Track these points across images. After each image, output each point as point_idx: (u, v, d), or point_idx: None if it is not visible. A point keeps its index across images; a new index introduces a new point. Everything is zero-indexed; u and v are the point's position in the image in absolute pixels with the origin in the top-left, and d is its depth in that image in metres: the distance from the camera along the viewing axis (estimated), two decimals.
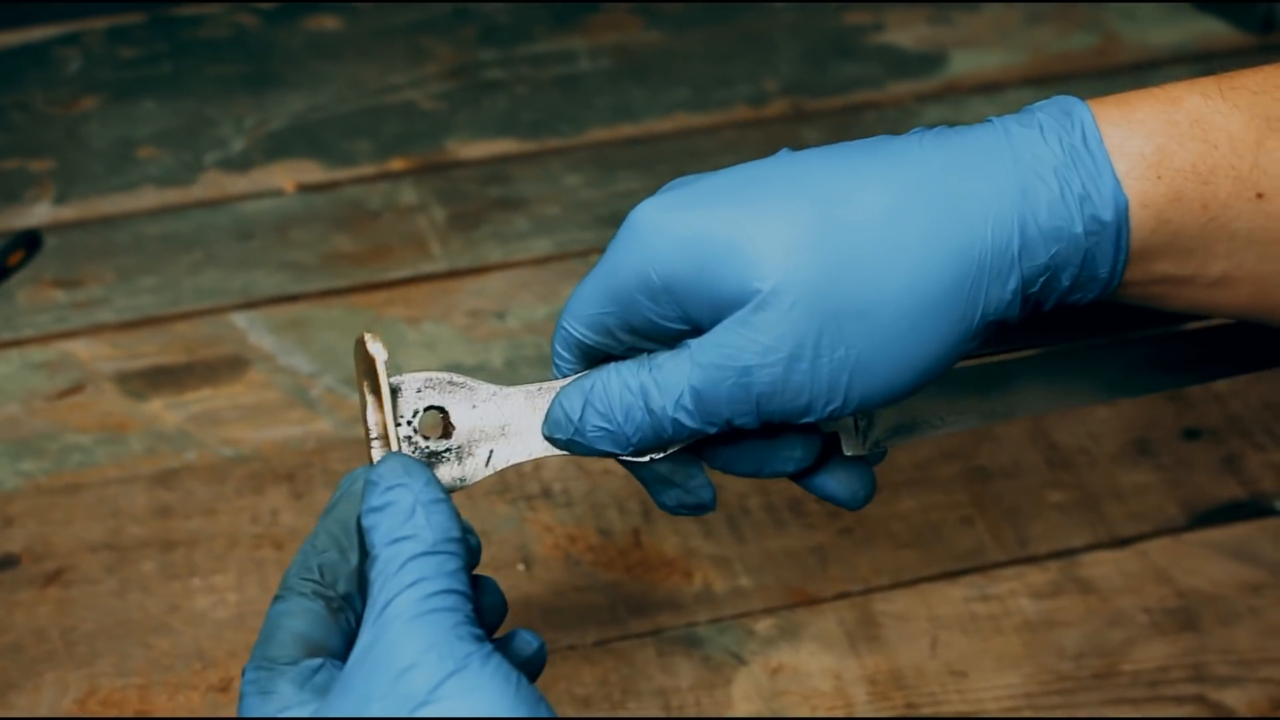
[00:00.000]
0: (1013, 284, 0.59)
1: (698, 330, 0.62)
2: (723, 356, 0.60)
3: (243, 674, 0.60)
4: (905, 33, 1.35)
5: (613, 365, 0.63)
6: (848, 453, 0.66)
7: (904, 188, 0.60)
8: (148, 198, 1.20)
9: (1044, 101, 0.62)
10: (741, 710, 0.84)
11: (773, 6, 1.38)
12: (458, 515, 0.60)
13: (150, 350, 1.07)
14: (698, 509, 0.66)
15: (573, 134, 1.25)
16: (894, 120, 1.26)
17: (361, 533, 0.60)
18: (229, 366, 1.06)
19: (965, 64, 1.32)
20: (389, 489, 0.60)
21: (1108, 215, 0.59)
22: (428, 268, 1.13)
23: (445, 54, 1.34)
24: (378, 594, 0.58)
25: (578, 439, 0.63)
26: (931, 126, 0.62)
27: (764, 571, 0.92)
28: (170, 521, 0.95)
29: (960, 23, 1.36)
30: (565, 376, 0.65)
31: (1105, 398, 0.70)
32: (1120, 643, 0.88)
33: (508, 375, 1.04)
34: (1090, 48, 1.33)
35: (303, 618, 0.60)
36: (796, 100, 1.28)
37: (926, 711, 0.84)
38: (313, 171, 1.22)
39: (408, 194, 1.20)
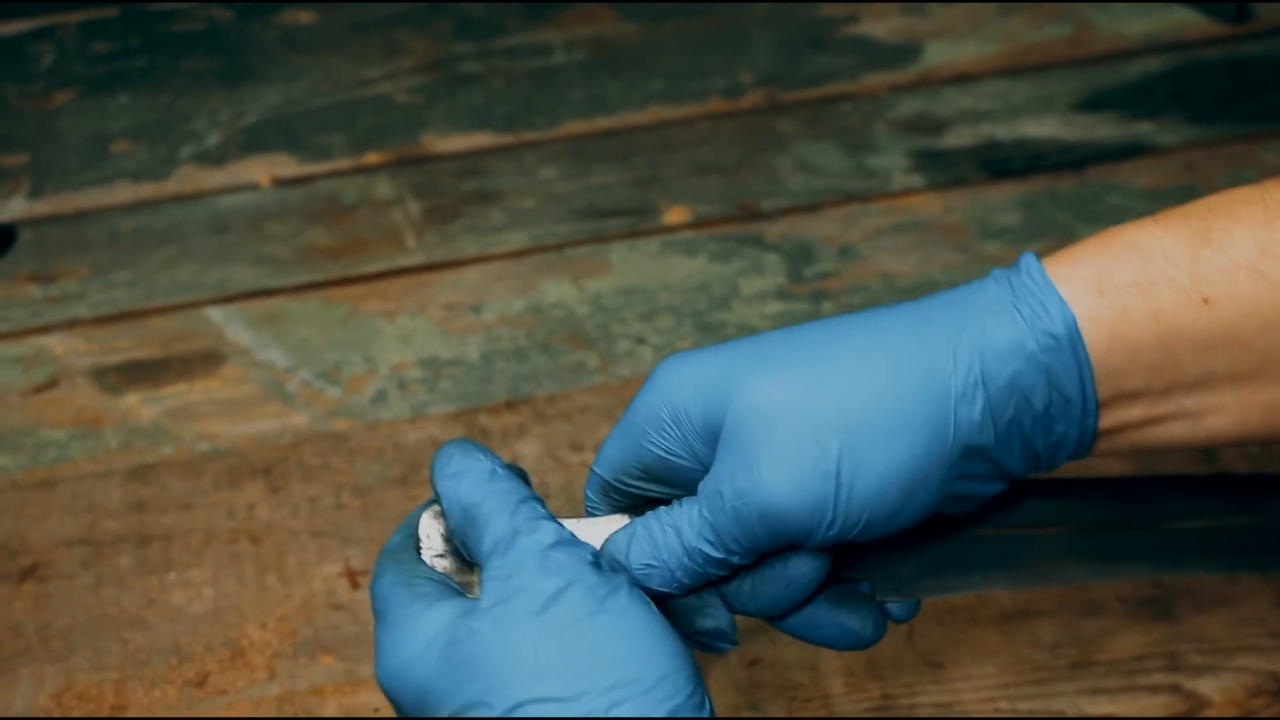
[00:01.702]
0: (980, 403, 0.63)
1: (705, 468, 0.65)
2: (719, 480, 0.64)
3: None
4: (879, 24, 1.35)
5: (655, 509, 0.67)
6: (879, 597, 0.68)
7: (877, 329, 0.65)
8: (122, 192, 1.20)
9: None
10: (718, 704, 0.84)
11: None
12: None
13: (125, 345, 1.07)
14: (717, 634, 0.70)
15: (548, 127, 1.25)
16: (869, 111, 1.26)
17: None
18: (205, 361, 1.06)
19: (940, 55, 1.32)
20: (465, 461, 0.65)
21: (1058, 329, 0.62)
22: (404, 261, 1.13)
23: (420, 47, 1.34)
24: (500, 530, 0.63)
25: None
26: None
27: None
28: (146, 516, 0.95)
29: (935, 14, 1.37)
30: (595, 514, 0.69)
31: (1149, 574, 0.71)
32: (1096, 633, 0.88)
33: (483, 369, 1.04)
34: (1064, 38, 1.34)
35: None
36: (771, 92, 1.28)
37: (903, 703, 0.85)
38: (288, 165, 1.22)
39: (383, 187, 1.20)
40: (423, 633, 0.62)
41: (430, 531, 0.66)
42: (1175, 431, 0.65)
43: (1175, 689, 0.85)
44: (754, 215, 1.17)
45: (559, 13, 1.37)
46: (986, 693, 0.85)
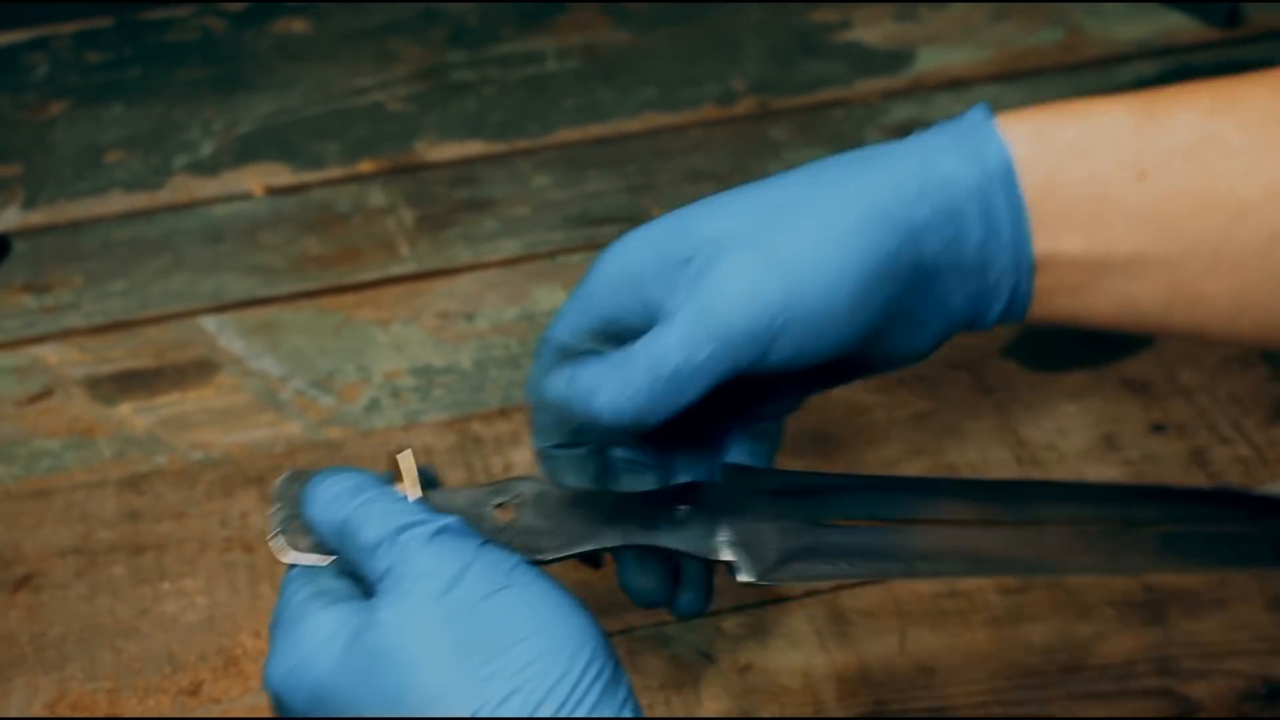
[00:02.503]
0: (921, 215, 0.65)
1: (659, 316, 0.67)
2: (679, 303, 0.66)
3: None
4: (872, 30, 1.36)
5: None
6: (742, 579, 0.69)
7: (822, 166, 0.68)
8: (116, 202, 1.20)
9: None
10: (710, 709, 0.85)
11: (740, 5, 1.39)
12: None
13: (119, 355, 1.07)
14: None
15: (541, 135, 1.26)
16: (861, 117, 1.26)
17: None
18: (198, 370, 1.06)
19: (932, 61, 1.32)
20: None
21: (994, 164, 0.65)
22: (397, 269, 1.13)
23: (413, 56, 1.34)
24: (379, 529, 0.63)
25: (572, 397, 0.67)
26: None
27: None
28: (139, 526, 0.95)
29: (927, 20, 1.37)
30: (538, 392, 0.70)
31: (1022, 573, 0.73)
32: (1088, 637, 0.88)
33: (477, 377, 1.05)
34: (1056, 43, 1.34)
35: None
36: (764, 98, 1.28)
37: (895, 708, 0.85)
38: (281, 174, 1.22)
39: (376, 196, 1.20)
40: (320, 630, 0.61)
41: (282, 495, 0.68)
42: (1104, 307, 0.67)
43: (1167, 693, 0.85)
44: None
45: (552, 20, 1.38)
46: (978, 697, 0.85)
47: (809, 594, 0.90)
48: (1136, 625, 0.88)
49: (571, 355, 0.69)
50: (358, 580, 0.64)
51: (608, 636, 0.61)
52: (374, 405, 1.03)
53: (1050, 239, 0.66)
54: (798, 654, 0.87)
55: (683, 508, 0.70)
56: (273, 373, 1.06)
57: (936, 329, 0.69)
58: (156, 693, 0.86)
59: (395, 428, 1.01)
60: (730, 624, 0.89)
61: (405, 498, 0.65)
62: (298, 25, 1.38)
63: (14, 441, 1.01)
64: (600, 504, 0.70)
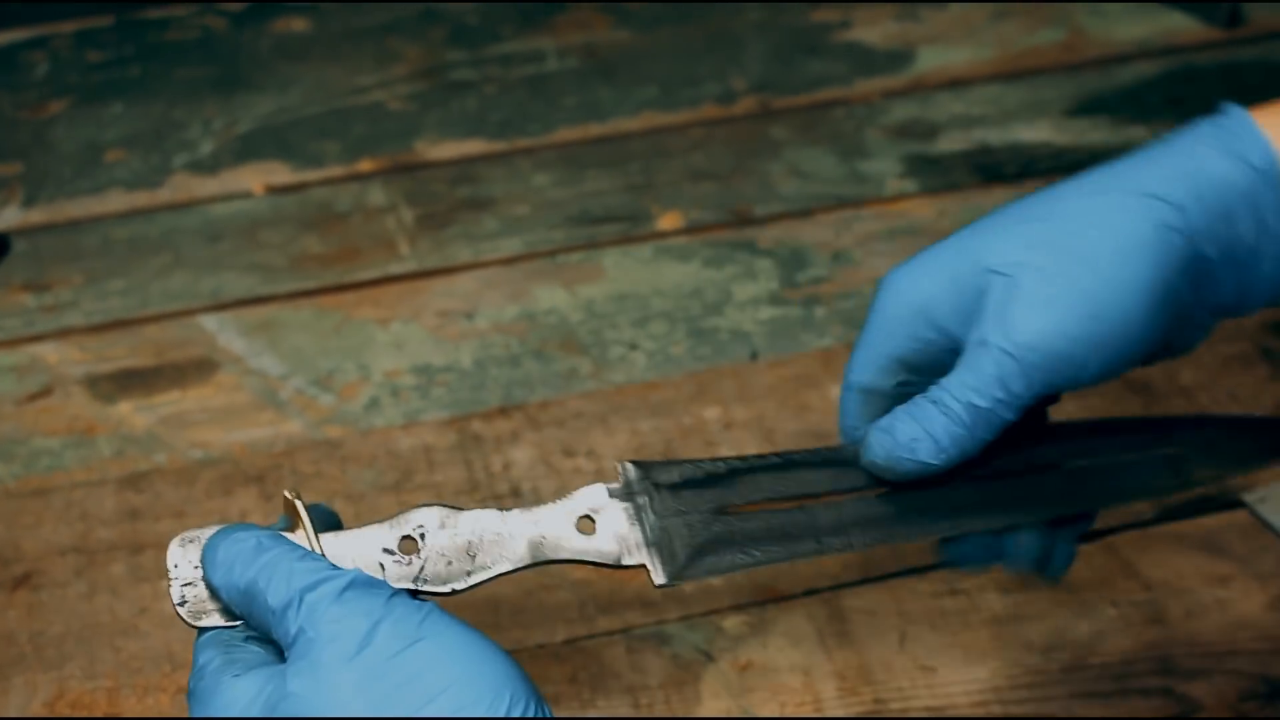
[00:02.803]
0: (1200, 220, 0.68)
1: (957, 346, 0.70)
2: (982, 333, 0.68)
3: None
4: (872, 30, 1.36)
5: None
6: (657, 582, 0.68)
7: (1097, 178, 0.70)
8: (116, 201, 1.20)
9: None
10: (710, 707, 0.85)
11: (740, 5, 1.39)
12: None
13: (119, 353, 1.07)
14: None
15: (541, 134, 1.26)
16: (862, 117, 1.26)
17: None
18: (198, 369, 1.06)
19: (932, 60, 1.32)
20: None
21: (1262, 163, 0.68)
22: (396, 268, 1.13)
23: (413, 55, 1.34)
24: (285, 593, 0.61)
25: (899, 453, 0.69)
26: None
27: None
28: (139, 524, 0.95)
29: (927, 19, 1.37)
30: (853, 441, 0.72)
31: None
32: (1088, 636, 0.88)
33: (476, 375, 1.04)
34: (1057, 43, 1.34)
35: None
36: (764, 98, 1.28)
37: (895, 707, 0.85)
38: (281, 173, 1.22)
39: (376, 195, 1.20)
40: (235, 703, 0.60)
41: (178, 560, 0.65)
42: None
43: (1167, 692, 0.85)
44: (747, 221, 1.17)
45: (552, 19, 1.38)
46: (979, 696, 0.85)
47: (809, 592, 0.90)
48: (1137, 624, 0.88)
49: (875, 396, 0.71)
50: (269, 641, 0.63)
51: (525, 675, 0.60)
52: (374, 404, 1.03)
53: None
54: (798, 652, 0.87)
55: (586, 515, 0.69)
56: (272, 371, 1.05)
57: (1210, 322, 0.71)
58: (156, 691, 0.86)
59: (395, 426, 1.01)
60: (730, 623, 0.89)
61: (307, 551, 0.63)
62: (298, 24, 1.38)
63: (13, 440, 1.01)
64: (507, 524, 0.69)
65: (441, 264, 1.14)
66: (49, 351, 1.07)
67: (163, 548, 0.92)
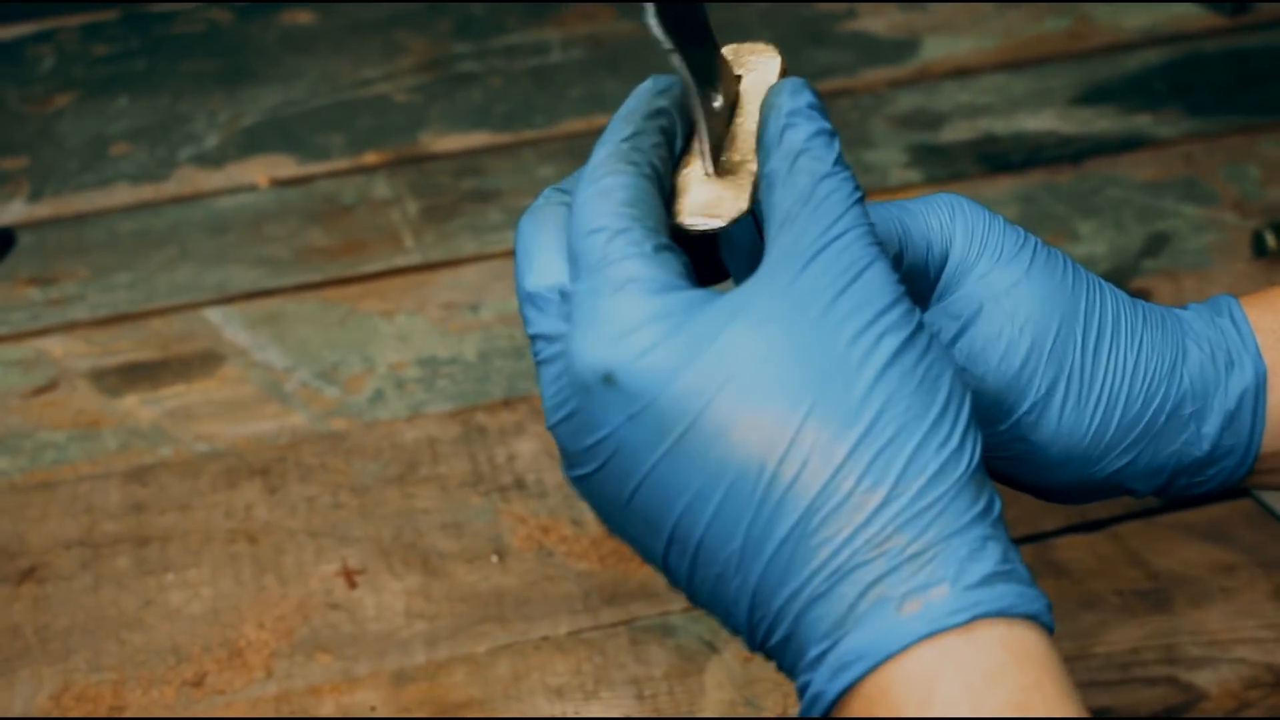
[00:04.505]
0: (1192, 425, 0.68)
1: None
2: None
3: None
4: (877, 19, 1.35)
5: None
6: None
7: None
8: (122, 194, 1.20)
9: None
10: (714, 699, 0.85)
11: None
12: None
13: (124, 347, 1.07)
14: None
15: (546, 125, 1.25)
16: (868, 107, 1.26)
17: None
18: (203, 362, 1.06)
19: (938, 49, 1.32)
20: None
21: (1249, 380, 0.68)
22: (401, 261, 1.13)
23: (419, 47, 1.34)
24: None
25: None
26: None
27: None
28: (144, 517, 0.95)
29: (933, 9, 1.37)
30: None
31: None
32: (1093, 625, 0.88)
33: (481, 368, 1.04)
34: (1063, 31, 1.34)
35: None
36: None
37: None
38: (287, 166, 1.22)
39: (381, 187, 1.20)
40: (669, 303, 0.55)
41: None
42: None
43: (1172, 681, 0.85)
44: None
45: (557, 11, 1.38)
46: None
47: None
48: (1141, 613, 0.88)
49: None
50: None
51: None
52: (379, 396, 1.03)
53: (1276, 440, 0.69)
54: None
55: None
56: (278, 364, 1.06)
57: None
58: (161, 684, 0.86)
59: (400, 419, 1.01)
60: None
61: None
62: (303, 17, 1.38)
63: (19, 433, 1.01)
64: None
65: (446, 256, 1.14)
66: (54, 345, 1.07)
67: (168, 540, 0.93)
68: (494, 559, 0.92)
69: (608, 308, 0.55)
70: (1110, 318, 0.67)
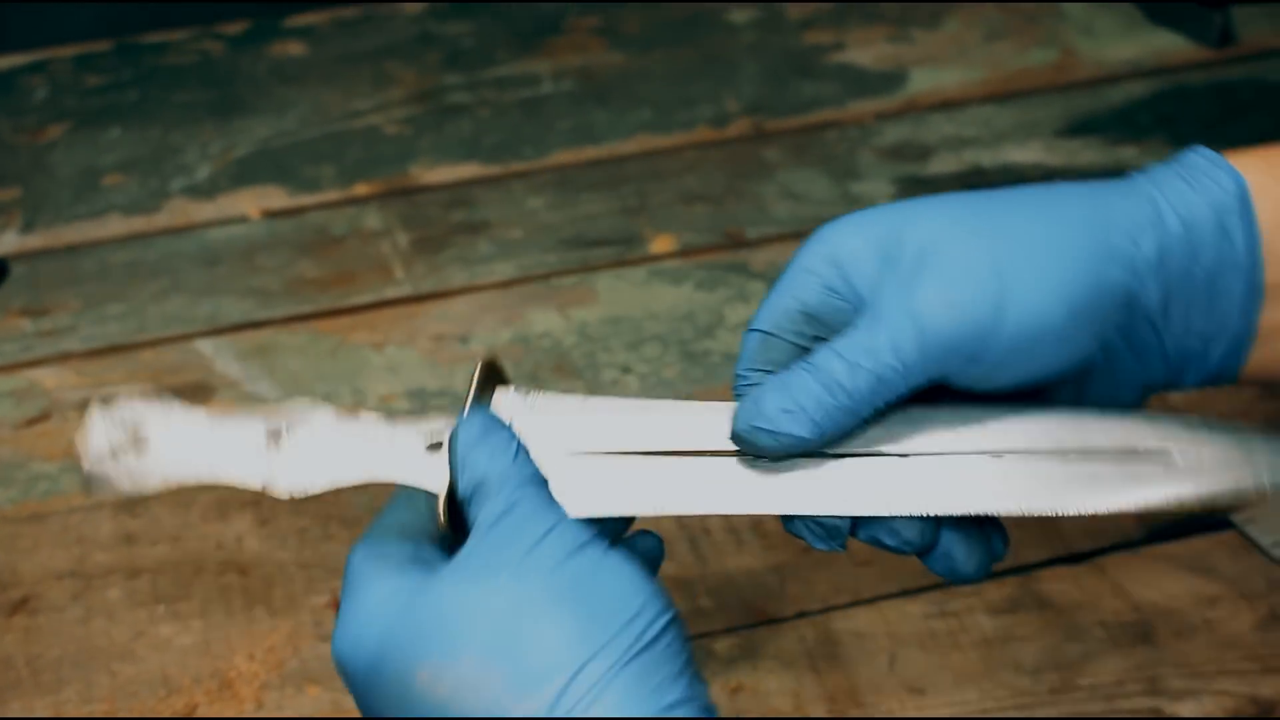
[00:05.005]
0: (1147, 248, 0.63)
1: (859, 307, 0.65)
2: (875, 304, 0.63)
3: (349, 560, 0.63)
4: (865, 51, 1.36)
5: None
6: None
7: (1051, 190, 0.65)
8: (114, 225, 1.21)
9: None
10: None
11: (733, 27, 1.39)
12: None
13: (116, 378, 1.08)
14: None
15: (536, 157, 1.26)
16: (855, 138, 1.27)
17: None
18: (195, 393, 1.07)
19: (925, 81, 1.33)
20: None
21: (1230, 192, 0.63)
22: (392, 292, 1.14)
23: (409, 79, 1.35)
24: (502, 480, 0.62)
25: (759, 423, 0.63)
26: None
27: (724, 592, 0.92)
28: (135, 549, 0.96)
29: (920, 40, 1.37)
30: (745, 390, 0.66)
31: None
32: (1077, 657, 0.88)
33: None
34: (1049, 63, 1.35)
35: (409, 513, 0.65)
36: (758, 120, 1.29)
37: None
38: (278, 198, 1.23)
39: (372, 219, 1.21)
40: (382, 590, 0.61)
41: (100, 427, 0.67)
42: None
43: (1156, 713, 0.86)
44: (740, 244, 1.17)
45: (547, 43, 1.38)
46: (968, 718, 0.86)
47: (799, 615, 0.91)
48: (1125, 645, 0.89)
49: (776, 344, 0.66)
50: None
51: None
52: None
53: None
54: (788, 675, 0.88)
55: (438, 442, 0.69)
56: (268, 396, 1.06)
57: (1141, 379, 0.67)
58: (152, 715, 0.87)
59: None
60: (721, 645, 0.89)
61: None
62: (294, 48, 1.39)
63: (11, 465, 1.02)
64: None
65: (436, 288, 1.14)
66: (47, 376, 1.08)
67: (159, 572, 0.94)
68: None
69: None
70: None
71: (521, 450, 0.64)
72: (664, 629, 0.59)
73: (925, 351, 0.62)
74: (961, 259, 0.63)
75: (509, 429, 0.65)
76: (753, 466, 0.64)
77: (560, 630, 0.58)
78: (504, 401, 0.68)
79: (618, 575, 0.60)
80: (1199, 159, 0.65)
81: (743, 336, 0.67)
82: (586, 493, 0.64)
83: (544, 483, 0.63)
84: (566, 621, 0.58)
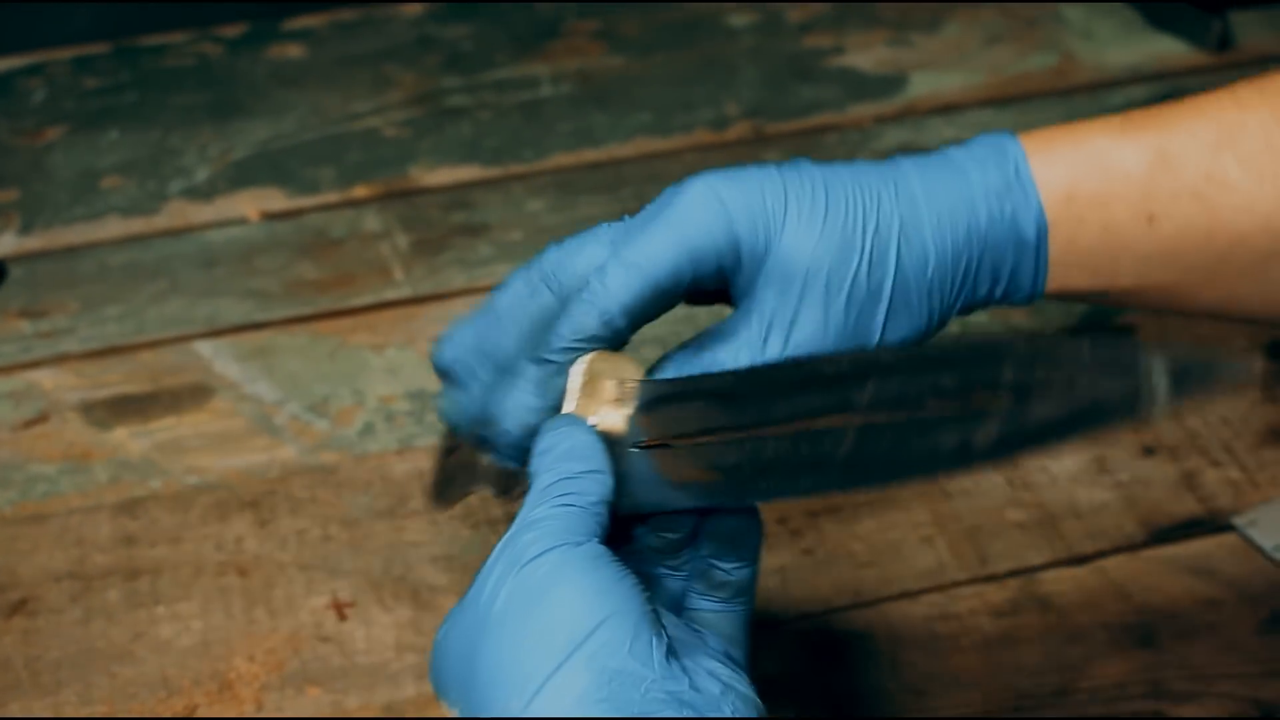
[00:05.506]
0: (944, 272, 0.70)
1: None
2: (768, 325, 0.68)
3: None
4: (865, 55, 1.36)
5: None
6: None
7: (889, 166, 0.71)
8: (112, 227, 1.21)
9: (979, 136, 0.72)
10: None
11: (733, 30, 1.39)
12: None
13: (115, 379, 1.08)
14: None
15: (535, 159, 1.26)
16: (854, 142, 1.26)
17: None
18: (193, 395, 1.06)
19: (924, 86, 1.33)
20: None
21: (1030, 235, 0.70)
22: (391, 294, 1.14)
23: (408, 81, 1.35)
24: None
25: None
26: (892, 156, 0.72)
27: None
28: (135, 550, 0.96)
29: (919, 45, 1.37)
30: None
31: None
32: (1079, 659, 0.88)
33: None
34: (1048, 68, 1.35)
35: None
36: (757, 123, 1.29)
37: None
38: (277, 199, 1.23)
39: (371, 221, 1.21)
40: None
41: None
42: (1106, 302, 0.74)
43: (1158, 716, 0.86)
44: None
45: (547, 46, 1.38)
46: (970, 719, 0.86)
47: (802, 616, 0.91)
48: (1127, 647, 0.89)
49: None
50: None
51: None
52: (368, 429, 1.03)
53: (1061, 280, 0.71)
54: (790, 677, 0.88)
55: None
56: (267, 397, 1.06)
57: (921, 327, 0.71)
58: (151, 717, 0.87)
59: (390, 451, 1.02)
60: None
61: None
62: (293, 51, 1.39)
63: (9, 466, 1.01)
64: None
65: (436, 290, 1.14)
66: (45, 378, 1.08)
67: (158, 573, 0.93)
68: None
69: None
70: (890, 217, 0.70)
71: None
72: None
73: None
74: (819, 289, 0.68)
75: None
76: None
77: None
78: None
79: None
80: (1014, 179, 0.70)
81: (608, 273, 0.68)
82: None
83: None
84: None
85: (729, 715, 0.62)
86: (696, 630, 0.67)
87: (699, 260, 0.67)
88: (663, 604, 0.67)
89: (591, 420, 0.67)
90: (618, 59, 1.37)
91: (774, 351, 0.68)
